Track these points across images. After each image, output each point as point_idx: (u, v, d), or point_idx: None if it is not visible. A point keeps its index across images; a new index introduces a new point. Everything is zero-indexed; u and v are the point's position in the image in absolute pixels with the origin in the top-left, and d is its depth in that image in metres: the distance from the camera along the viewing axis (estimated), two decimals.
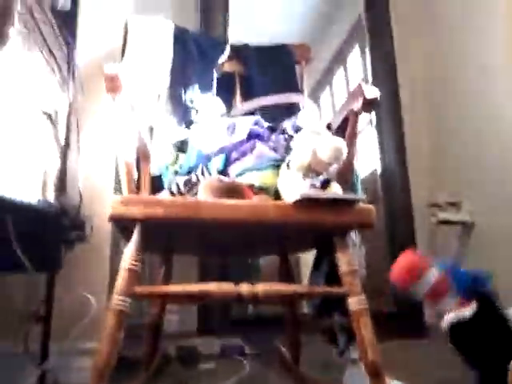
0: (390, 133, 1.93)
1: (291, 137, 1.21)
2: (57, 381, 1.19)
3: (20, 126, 0.96)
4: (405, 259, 1.17)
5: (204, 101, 1.42)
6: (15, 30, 0.88)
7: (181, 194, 1.12)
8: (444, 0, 1.97)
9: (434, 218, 1.77)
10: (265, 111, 1.47)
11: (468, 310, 1.10)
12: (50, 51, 1.11)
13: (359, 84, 1.09)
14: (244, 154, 1.22)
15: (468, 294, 1.11)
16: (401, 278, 1.16)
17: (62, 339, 1.18)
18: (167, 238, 1.11)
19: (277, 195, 1.09)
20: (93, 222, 1.21)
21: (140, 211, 0.90)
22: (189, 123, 1.36)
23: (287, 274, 1.28)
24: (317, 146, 1.04)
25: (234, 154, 1.22)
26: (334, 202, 0.97)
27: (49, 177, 1.12)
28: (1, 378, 1.14)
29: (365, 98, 1.06)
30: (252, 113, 1.48)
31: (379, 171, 1.92)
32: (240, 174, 1.16)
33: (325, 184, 1.06)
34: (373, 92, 1.07)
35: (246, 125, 1.30)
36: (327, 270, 1.26)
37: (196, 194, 1.10)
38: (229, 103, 1.54)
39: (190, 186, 1.13)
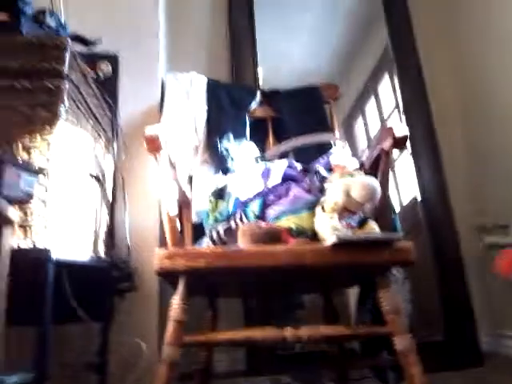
0: (426, 159, 1.91)
1: (324, 178, 1.24)
2: None
3: (72, 189, 1.05)
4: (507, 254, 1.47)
5: (238, 148, 1.48)
6: (65, 107, 0.98)
7: (221, 240, 1.17)
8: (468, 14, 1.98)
9: (482, 242, 1.73)
10: (297, 152, 1.51)
11: None
12: (96, 118, 1.22)
13: (388, 125, 1.12)
14: (280, 198, 1.26)
15: None
16: (503, 268, 1.47)
17: None
18: (211, 284, 1.15)
19: (314, 237, 1.11)
20: (141, 272, 1.28)
21: (183, 264, 0.95)
22: (226, 171, 1.42)
23: (331, 312, 1.29)
24: (350, 187, 1.07)
25: (270, 198, 1.26)
26: (372, 242, 0.98)
27: (99, 233, 1.20)
28: None
29: (395, 137, 1.08)
30: (285, 155, 1.53)
31: (419, 199, 1.90)
32: (277, 218, 1.19)
33: (362, 223, 1.08)
34: (402, 131, 1.10)
35: (279, 168, 1.35)
36: (372, 306, 1.25)
37: (236, 240, 1.14)
38: (262, 147, 1.60)
39: (230, 232, 1.17)
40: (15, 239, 0.84)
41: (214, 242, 1.17)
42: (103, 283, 1.22)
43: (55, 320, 0.86)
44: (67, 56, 0.99)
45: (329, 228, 1.05)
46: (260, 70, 2.00)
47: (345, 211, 1.08)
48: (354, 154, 2.43)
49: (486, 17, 1.87)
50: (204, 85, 1.65)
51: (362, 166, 1.27)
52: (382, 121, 2.44)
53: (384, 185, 1.11)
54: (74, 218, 1.06)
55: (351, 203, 1.06)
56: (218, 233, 1.18)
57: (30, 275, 0.84)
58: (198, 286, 1.07)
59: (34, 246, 0.87)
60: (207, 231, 1.23)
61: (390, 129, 1.09)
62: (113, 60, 1.57)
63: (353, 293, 1.59)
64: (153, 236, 1.39)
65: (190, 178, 1.47)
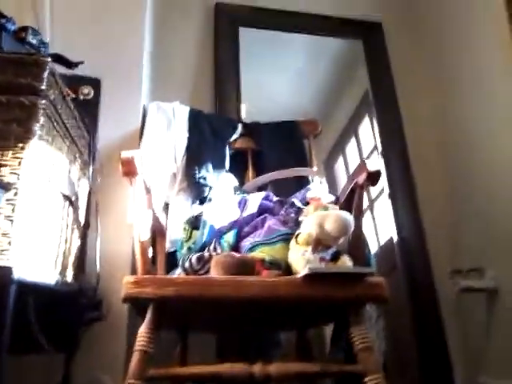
0: (403, 200, 1.93)
1: (300, 209, 1.24)
2: None
3: (42, 209, 1.02)
4: None
5: (217, 178, 1.48)
6: (40, 125, 0.96)
7: (194, 270, 1.14)
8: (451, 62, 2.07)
9: (457, 286, 1.73)
10: (276, 185, 1.52)
11: None
12: (73, 140, 1.21)
13: (362, 160, 1.14)
14: (255, 229, 1.25)
15: None
16: None
17: None
18: (182, 315, 1.11)
19: (288, 269, 1.10)
20: (110, 301, 1.23)
21: (152, 291, 0.92)
22: (203, 200, 1.41)
23: (305, 349, 1.25)
24: (324, 220, 1.07)
25: (246, 229, 1.25)
26: (344, 276, 0.97)
27: (68, 257, 1.16)
28: None
29: (368, 172, 1.10)
30: (264, 187, 1.53)
31: (396, 240, 1.91)
32: (251, 249, 1.17)
33: (335, 257, 1.07)
34: (375, 166, 1.12)
35: (256, 199, 1.34)
36: (345, 343, 1.23)
37: (209, 270, 1.12)
38: (241, 178, 1.60)
39: (203, 262, 1.15)
40: None
41: (186, 271, 1.14)
42: (69, 310, 1.17)
43: (13, 349, 0.81)
44: (45, 74, 0.99)
45: (302, 260, 1.03)
46: (243, 105, 2.03)
47: (318, 245, 1.07)
48: (334, 192, 2.47)
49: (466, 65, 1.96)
50: (186, 114, 1.66)
51: (337, 200, 1.27)
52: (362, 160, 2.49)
53: (358, 218, 1.11)
54: (43, 238, 1.02)
55: (325, 236, 1.06)
56: (190, 262, 1.15)
57: None
58: (167, 318, 1.03)
59: None
60: (180, 261, 1.21)
61: (364, 164, 1.11)
62: (95, 84, 1.58)
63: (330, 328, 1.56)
64: (125, 263, 1.35)
65: (167, 206, 1.45)
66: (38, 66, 0.98)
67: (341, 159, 2.91)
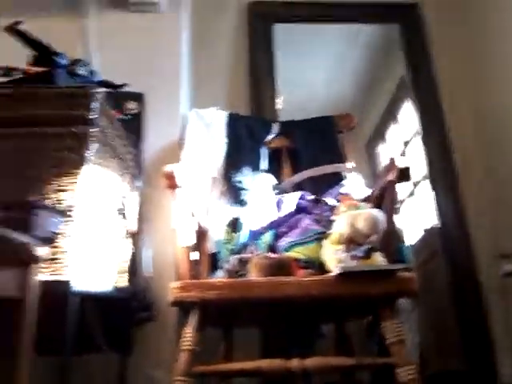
0: (444, 185, 1.91)
1: (333, 208, 1.29)
2: None
3: (97, 224, 1.15)
4: None
5: (254, 180, 1.55)
6: (91, 151, 1.08)
7: (235, 271, 1.23)
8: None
9: (501, 270, 1.71)
10: (311, 182, 1.57)
11: None
12: (121, 157, 1.33)
13: (392, 158, 1.17)
14: (291, 229, 1.32)
15: None
16: None
17: None
18: (225, 314, 1.21)
19: (322, 267, 1.16)
20: (161, 302, 1.35)
21: (196, 295, 1.02)
22: (241, 203, 1.49)
23: (344, 342, 1.32)
24: (355, 219, 1.12)
25: (282, 230, 1.33)
26: (375, 273, 1.02)
27: (121, 264, 1.29)
28: None
29: (397, 169, 1.13)
30: (300, 185, 1.59)
31: (438, 226, 1.90)
32: (287, 249, 1.25)
33: (367, 254, 1.11)
34: (405, 163, 1.14)
35: (292, 200, 1.41)
36: (378, 338, 1.27)
37: (248, 271, 1.20)
38: (278, 176, 1.66)
39: (243, 263, 1.23)
40: (42, 274, 0.94)
41: (227, 272, 1.24)
42: (123, 313, 1.29)
43: (76, 350, 0.94)
44: (95, 104, 1.10)
45: (334, 259, 1.09)
46: (280, 101, 2.08)
47: (351, 243, 1.12)
48: (375, 178, 2.46)
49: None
50: (224, 119, 1.74)
51: (369, 197, 1.31)
52: (405, 146, 2.46)
53: (389, 215, 1.15)
54: (98, 251, 1.15)
55: (357, 235, 1.11)
56: (231, 264, 1.24)
57: (53, 307, 0.92)
58: (211, 317, 1.13)
59: (58, 279, 0.96)
60: (222, 263, 1.30)
61: (394, 161, 1.14)
62: (139, 98, 1.70)
63: None
64: (172, 267, 1.46)
65: (208, 210, 1.55)
66: (87, 97, 1.10)
67: (382, 144, 2.89)
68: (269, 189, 1.56)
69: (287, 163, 1.69)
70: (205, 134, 1.69)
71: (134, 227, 1.40)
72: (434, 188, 1.95)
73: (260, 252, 1.26)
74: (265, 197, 1.48)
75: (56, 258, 0.96)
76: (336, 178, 1.55)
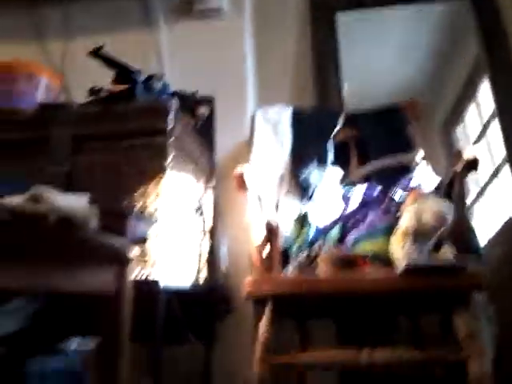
0: None
1: (400, 202, 1.29)
2: None
3: (179, 225, 1.28)
4: None
5: (321, 175, 1.59)
6: (170, 159, 1.20)
7: (305, 267, 1.30)
8: None
9: None
10: (380, 174, 1.57)
11: None
12: (196, 160, 1.45)
13: (458, 149, 1.15)
14: (358, 223, 1.35)
15: None
16: None
17: None
18: (298, 307, 1.27)
19: (389, 262, 1.17)
20: (238, 295, 1.44)
21: (268, 289, 1.10)
22: (309, 198, 1.54)
23: (418, 336, 1.33)
24: (421, 212, 1.12)
25: (350, 223, 1.36)
26: (443, 268, 1.03)
27: (201, 261, 1.42)
28: None
29: (464, 160, 1.11)
30: (368, 177, 1.60)
31: None
32: (354, 244, 1.28)
33: (435, 247, 1.12)
34: (471, 153, 1.12)
35: (359, 192, 1.44)
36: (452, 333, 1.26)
37: (317, 265, 1.26)
38: (346, 168, 1.68)
39: (311, 259, 1.30)
40: (134, 273, 1.07)
41: (298, 267, 1.30)
42: (204, 306, 1.41)
43: (165, 340, 1.07)
44: (171, 116, 1.22)
45: (402, 254, 1.11)
46: (346, 88, 2.07)
47: (418, 236, 1.13)
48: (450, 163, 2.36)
49: None
50: (289, 115, 1.79)
51: (439, 187, 1.29)
52: (484, 127, 2.33)
53: (459, 206, 1.13)
54: (181, 249, 1.28)
55: (423, 228, 1.11)
56: (301, 259, 1.31)
57: (144, 303, 1.04)
58: (285, 309, 1.20)
59: (148, 278, 1.09)
60: (292, 258, 1.37)
61: (460, 152, 1.13)
62: (209, 102, 1.80)
63: None
64: (248, 261, 1.55)
65: (277, 207, 1.61)
66: (164, 110, 1.22)
67: (460, 126, 2.75)
68: (336, 183, 1.60)
69: (355, 155, 1.70)
70: (271, 132, 1.75)
71: (211, 224, 1.52)
72: None
73: (328, 247, 1.31)
74: (332, 191, 1.51)
75: (146, 259, 1.09)
76: (404, 169, 1.54)
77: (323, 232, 1.38)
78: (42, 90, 1.51)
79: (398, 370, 1.11)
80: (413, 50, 2.38)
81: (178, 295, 1.17)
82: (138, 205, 1.15)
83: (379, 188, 1.44)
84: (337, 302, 1.16)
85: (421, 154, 1.59)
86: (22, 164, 1.25)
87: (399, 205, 1.28)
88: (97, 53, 1.35)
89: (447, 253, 1.09)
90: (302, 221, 1.44)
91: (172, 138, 1.23)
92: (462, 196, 1.17)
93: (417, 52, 2.41)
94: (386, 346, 1.03)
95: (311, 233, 1.38)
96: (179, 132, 1.29)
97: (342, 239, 1.33)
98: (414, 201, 1.19)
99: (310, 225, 1.39)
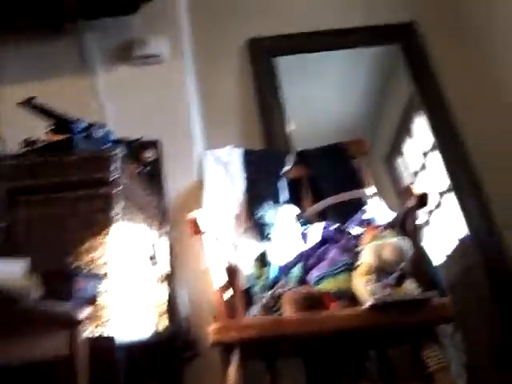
0: (470, 195, 1.89)
1: (358, 237, 1.29)
2: None
3: (132, 276, 1.19)
4: None
5: (277, 213, 1.58)
6: (117, 210, 1.13)
7: (269, 307, 1.25)
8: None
9: None
10: (334, 210, 1.58)
11: None
12: (145, 207, 1.38)
13: (407, 185, 1.18)
14: (319, 260, 1.33)
15: None
16: None
17: None
18: (266, 349, 1.21)
19: (354, 298, 1.16)
20: (203, 339, 1.37)
21: (234, 335, 1.04)
22: (266, 237, 1.51)
23: (387, 368, 1.30)
24: (381, 249, 1.12)
25: (310, 261, 1.34)
26: (409, 303, 1.02)
27: (160, 309, 1.33)
28: None
29: (415, 196, 1.14)
30: (323, 213, 1.61)
31: (469, 237, 1.87)
32: (317, 282, 1.26)
33: (398, 282, 1.12)
34: (421, 189, 1.15)
35: (317, 230, 1.43)
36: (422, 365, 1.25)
37: (281, 306, 1.21)
38: (301, 206, 1.68)
39: (276, 299, 1.25)
40: (87, 331, 0.97)
41: (262, 309, 1.25)
42: (168, 353, 1.34)
43: None
44: (115, 165, 1.16)
45: (366, 291, 1.10)
46: (291, 128, 2.11)
47: (380, 271, 1.13)
48: (397, 189, 2.45)
49: None
50: (240, 156, 1.78)
51: (394, 222, 1.31)
52: (423, 157, 2.45)
53: (414, 241, 1.15)
54: (136, 300, 1.19)
55: (384, 264, 1.11)
56: (264, 300, 1.26)
57: (101, 361, 0.95)
58: (253, 352, 1.15)
59: (102, 335, 1.00)
60: (256, 299, 1.32)
61: (410, 189, 1.16)
62: (155, 146, 1.76)
63: None
64: (210, 304, 1.47)
65: (236, 247, 1.57)
66: (107, 160, 1.15)
67: (400, 158, 2.89)
68: (292, 220, 1.59)
69: (308, 192, 1.71)
70: (223, 173, 1.73)
71: (167, 270, 1.44)
72: (459, 200, 1.93)
73: (291, 286, 1.27)
74: (289, 229, 1.50)
75: (99, 316, 0.99)
76: (357, 205, 1.56)
77: (285, 271, 1.34)
78: None
79: None
80: (351, 90, 2.50)
81: (137, 347, 1.08)
82: (85, 260, 1.06)
83: (336, 225, 1.44)
84: (304, 341, 1.13)
85: (372, 189, 1.63)
86: None
87: (357, 240, 1.28)
88: (29, 103, 1.27)
89: (410, 287, 1.09)
90: (263, 260, 1.40)
91: (119, 188, 1.16)
92: (417, 230, 1.19)
93: (355, 92, 2.53)
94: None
95: (272, 272, 1.34)
96: (126, 180, 1.22)
97: (304, 277, 1.30)
98: (372, 237, 1.20)
99: (270, 264, 1.35)
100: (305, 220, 1.60)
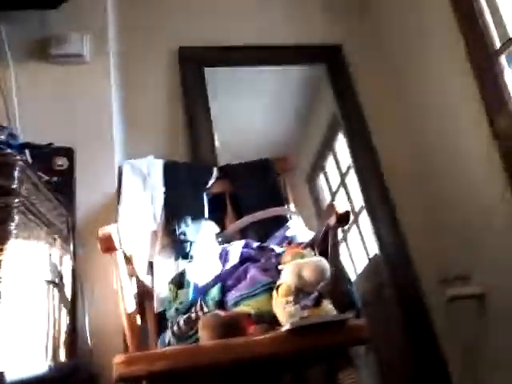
0: (383, 215, 1.98)
1: (279, 255, 1.28)
2: None
3: (27, 302, 1.05)
4: None
5: (197, 230, 1.51)
6: (15, 224, 1.00)
7: (183, 333, 1.17)
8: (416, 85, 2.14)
9: (444, 295, 1.77)
10: (255, 226, 1.56)
11: None
12: (50, 222, 1.24)
13: (331, 202, 1.19)
14: (238, 280, 1.29)
15: None
16: None
17: None
18: (178, 381, 1.14)
19: (274, 319, 1.13)
20: (107, 375, 1.25)
21: (143, 368, 0.95)
22: (185, 256, 1.44)
23: None
24: (301, 268, 1.11)
25: (229, 282, 1.29)
26: (326, 324, 1.01)
27: (59, 339, 1.19)
28: None
29: (337, 214, 1.15)
30: (244, 230, 1.57)
31: (380, 256, 1.95)
32: (236, 303, 1.21)
33: (317, 302, 1.10)
34: (343, 207, 1.16)
35: (236, 249, 1.39)
36: None
37: (197, 331, 1.15)
38: (221, 222, 1.64)
39: (191, 324, 1.18)
40: None
41: (175, 335, 1.18)
42: None
43: None
44: (16, 172, 1.02)
45: (285, 313, 1.07)
46: (217, 142, 2.07)
47: (300, 292, 1.11)
48: (318, 210, 2.50)
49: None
50: (161, 168, 1.70)
51: (314, 241, 1.32)
52: (341, 177, 2.53)
53: (334, 260, 1.16)
54: (31, 329, 1.05)
55: (304, 284, 1.09)
56: (178, 325, 1.18)
57: None
58: None
59: None
60: (169, 324, 1.24)
61: (333, 206, 1.16)
62: (69, 153, 1.61)
63: None
64: (118, 333, 1.36)
65: (151, 265, 1.48)
66: (8, 166, 1.01)
67: (322, 176, 2.97)
68: (212, 238, 1.53)
69: (230, 208, 1.68)
70: (141, 185, 1.63)
71: (70, 295, 1.30)
72: (372, 219, 2.01)
73: (208, 310, 1.21)
74: (209, 248, 1.44)
75: None
76: (279, 222, 1.56)
77: (202, 292, 1.28)
78: None
79: None
80: (279, 107, 2.52)
81: (29, 383, 0.94)
82: None
83: (257, 244, 1.41)
84: (221, 370, 1.07)
85: (292, 207, 1.63)
86: None
87: (278, 258, 1.26)
88: None
89: (328, 308, 1.08)
90: (179, 281, 1.32)
91: (17, 199, 1.02)
92: (337, 249, 1.20)
93: (282, 109, 2.56)
94: None
95: (190, 294, 1.26)
96: (28, 192, 1.09)
97: (222, 299, 1.25)
98: (292, 256, 1.18)
99: (188, 286, 1.28)
100: (225, 238, 1.56)
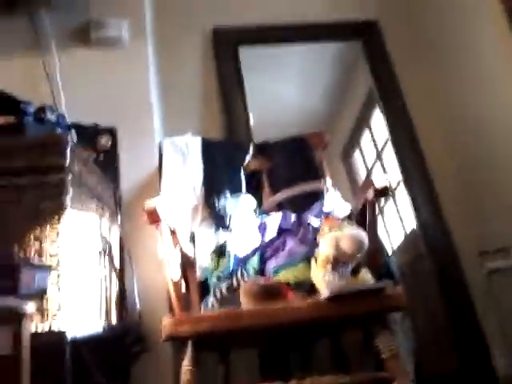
0: (420, 188, 1.96)
1: (316, 228, 1.30)
2: None
3: (82, 268, 1.14)
4: None
5: (235, 204, 1.56)
6: (69, 197, 1.08)
7: (225, 299, 1.24)
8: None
9: (484, 268, 1.76)
10: (292, 202, 1.59)
11: None
12: (99, 196, 1.32)
13: (369, 177, 1.20)
14: (277, 251, 1.33)
15: None
16: None
17: None
18: (220, 341, 1.21)
19: (312, 287, 1.17)
20: (154, 334, 1.34)
21: (188, 329, 1.02)
22: (225, 228, 1.50)
23: (340, 358, 1.33)
24: (338, 240, 1.13)
25: (268, 252, 1.34)
26: (364, 292, 1.04)
27: (111, 302, 1.28)
28: None
29: (375, 188, 1.16)
30: (281, 205, 1.61)
31: (418, 229, 1.94)
32: (275, 272, 1.26)
33: (354, 272, 1.14)
34: (382, 181, 1.17)
35: (275, 221, 1.42)
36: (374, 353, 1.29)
37: (238, 297, 1.20)
38: (259, 198, 1.68)
39: (232, 290, 1.24)
40: (34, 325, 0.93)
41: (218, 301, 1.24)
42: (117, 348, 1.29)
43: None
44: (67, 150, 1.10)
45: (323, 282, 1.11)
46: (252, 119, 2.09)
47: (338, 262, 1.14)
48: (353, 185, 2.50)
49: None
50: (199, 145, 1.75)
51: (351, 214, 1.33)
52: (380, 150, 2.51)
53: (372, 233, 1.17)
54: (86, 293, 1.14)
55: (342, 255, 1.12)
56: (221, 292, 1.25)
57: (48, 356, 0.91)
58: (207, 345, 1.13)
59: (50, 329, 0.95)
60: (211, 290, 1.30)
61: (371, 180, 1.17)
62: (111, 133, 1.69)
63: None
64: (163, 296, 1.45)
65: (193, 237, 1.54)
66: (59, 144, 1.09)
67: (357, 152, 2.95)
68: (251, 211, 1.58)
69: (266, 184, 1.71)
70: (181, 162, 1.69)
71: (119, 263, 1.39)
72: (409, 191, 2.00)
73: (248, 277, 1.27)
74: (248, 220, 1.49)
75: (47, 309, 0.95)
76: (316, 196, 1.58)
77: (242, 261, 1.33)
78: None
79: None
80: (313, 84, 2.52)
81: (86, 342, 1.04)
82: (32, 251, 1.00)
83: (294, 216, 1.45)
84: (259, 333, 1.12)
85: (329, 181, 1.65)
86: None
87: (315, 231, 1.29)
88: None
89: (366, 277, 1.11)
90: (220, 251, 1.38)
91: (70, 175, 1.10)
92: (375, 222, 1.21)
93: (316, 86, 2.55)
94: (311, 374, 1.01)
95: (231, 263, 1.32)
96: (78, 167, 1.17)
97: (261, 268, 1.30)
98: (329, 228, 1.20)
99: (229, 255, 1.34)
100: (263, 211, 1.60)
